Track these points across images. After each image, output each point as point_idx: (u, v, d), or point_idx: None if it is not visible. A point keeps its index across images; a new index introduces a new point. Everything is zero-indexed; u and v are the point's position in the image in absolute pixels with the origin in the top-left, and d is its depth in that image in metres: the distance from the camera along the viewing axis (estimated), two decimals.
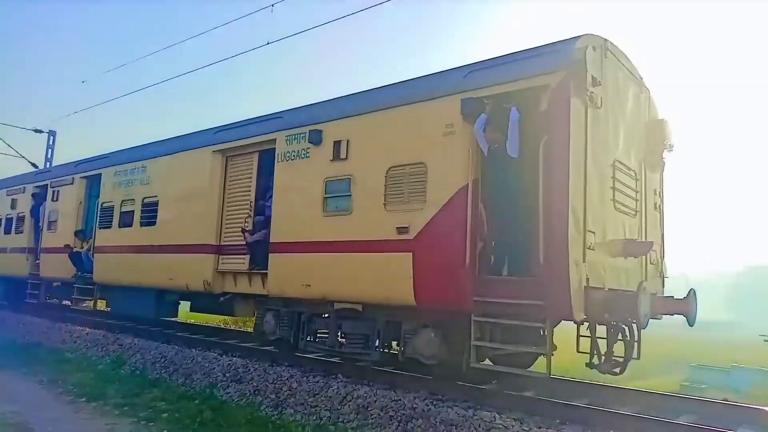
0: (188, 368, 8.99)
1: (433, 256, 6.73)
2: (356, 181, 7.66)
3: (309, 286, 8.06)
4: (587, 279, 5.94)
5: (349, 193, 7.72)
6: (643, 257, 7.49)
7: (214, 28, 14.53)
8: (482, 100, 6.57)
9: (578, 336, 6.95)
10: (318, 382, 7.37)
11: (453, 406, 6.30)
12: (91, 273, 12.44)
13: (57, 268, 13.49)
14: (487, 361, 7.15)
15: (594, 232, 6.20)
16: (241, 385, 7.96)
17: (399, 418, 6.27)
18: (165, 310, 11.54)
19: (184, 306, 11.81)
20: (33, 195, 15.22)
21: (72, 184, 13.66)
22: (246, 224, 9.31)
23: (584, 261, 5.96)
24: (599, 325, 6.62)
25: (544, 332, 6.09)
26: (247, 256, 9.19)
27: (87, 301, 13.19)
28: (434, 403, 6.43)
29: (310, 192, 8.16)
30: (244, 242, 9.20)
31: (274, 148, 8.86)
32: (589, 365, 6.87)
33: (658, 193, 8.21)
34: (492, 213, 6.69)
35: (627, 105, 7.34)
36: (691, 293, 7.48)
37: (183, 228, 10.25)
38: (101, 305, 13.98)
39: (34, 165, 22.59)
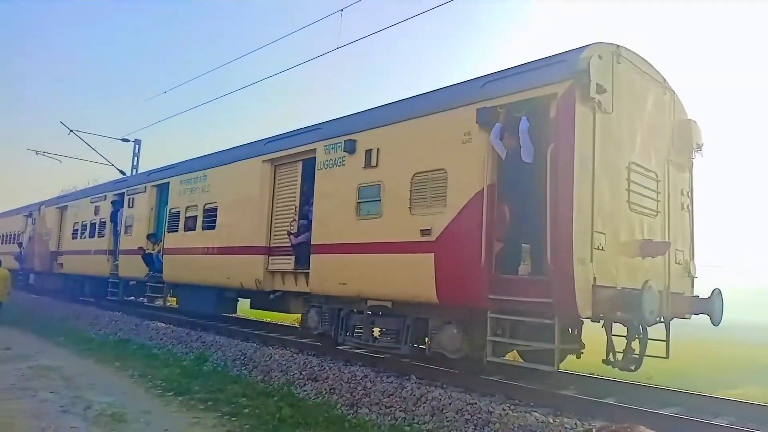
0: (266, 366, 9.20)
1: (453, 257, 7.21)
2: (385, 186, 8.25)
3: (345, 284, 8.74)
4: (594, 278, 6.23)
5: (378, 198, 8.32)
6: (668, 257, 7.61)
7: (286, 35, 15.25)
8: (496, 109, 6.98)
9: (608, 336, 7.25)
10: (392, 382, 7.39)
11: (532, 411, 6.16)
12: (161, 273, 13.73)
13: (132, 268, 14.93)
14: (511, 356, 7.57)
15: (604, 233, 6.47)
16: (318, 384, 8.07)
17: (475, 421, 6.17)
18: (225, 306, 12.58)
19: (244, 303, 12.80)
20: (112, 202, 16.84)
21: (144, 192, 15.08)
22: (291, 227, 10.11)
23: (592, 261, 6.25)
24: (614, 322, 6.87)
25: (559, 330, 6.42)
26: (293, 257, 9.98)
27: (158, 299, 14.50)
28: (511, 407, 6.33)
29: (345, 197, 8.83)
30: (290, 244, 10.00)
31: (315, 157, 9.60)
32: (606, 362, 7.12)
33: (686, 193, 8.26)
34: (511, 215, 7.08)
35: (646, 107, 7.50)
36: (715, 292, 7.55)
37: (238, 231, 11.21)
38: (172, 302, 15.29)
39: (121, 172, 24.41)
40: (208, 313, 12.88)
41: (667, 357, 7.71)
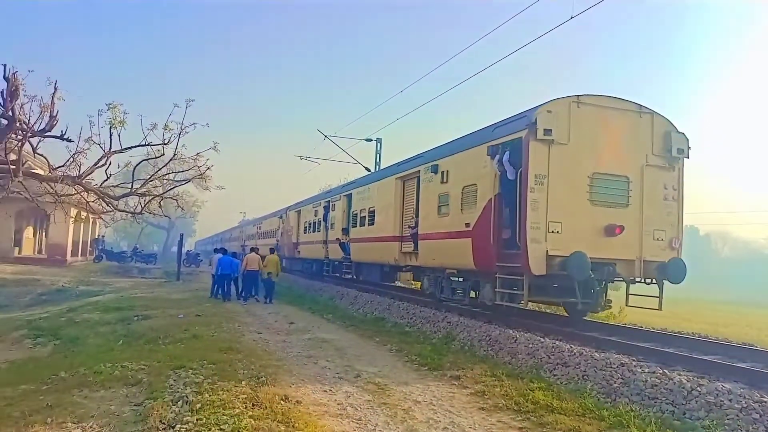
0: (512, 348, 9.38)
1: (479, 239, 11.42)
2: (450, 195, 12.72)
3: (434, 259, 13.48)
4: (547, 251, 9.95)
5: (448, 203, 12.82)
6: (640, 235, 10.63)
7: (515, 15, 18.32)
8: (497, 147, 11.00)
9: (627, 293, 10.99)
10: (654, 372, 7.05)
11: None
12: (350, 255, 19.95)
13: (335, 252, 21.55)
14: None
15: (560, 222, 10.10)
16: (568, 369, 7.99)
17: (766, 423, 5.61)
18: (386, 277, 18.16)
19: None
20: (324, 207, 23.83)
21: (339, 200, 21.57)
22: (411, 222, 15.09)
23: (546, 240, 9.99)
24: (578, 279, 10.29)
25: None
26: (412, 243, 14.95)
27: (347, 273, 20.81)
28: None
29: (432, 203, 13.50)
30: (409, 234, 15.02)
31: (420, 176, 14.44)
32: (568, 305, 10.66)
33: (670, 187, 10.99)
34: (510, 213, 11.02)
35: (615, 131, 10.63)
36: (673, 260, 10.42)
37: (385, 225, 16.62)
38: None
39: (367, 169, 27.60)
40: (375, 281, 18.64)
41: (659, 309, 10.83)
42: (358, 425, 6.02)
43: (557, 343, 9.06)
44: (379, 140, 29.34)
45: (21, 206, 27.59)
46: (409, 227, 15.06)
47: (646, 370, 7.20)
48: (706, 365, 7.75)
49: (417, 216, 14.80)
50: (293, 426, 5.62)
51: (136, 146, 15.96)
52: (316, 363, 8.97)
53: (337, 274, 22.35)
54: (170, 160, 17.28)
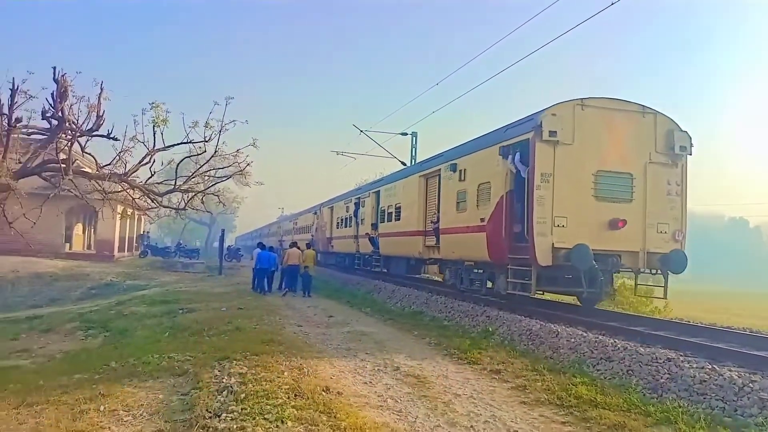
0: (553, 342, 9.27)
1: (492, 233, 12.31)
2: (467, 192, 13.63)
3: (454, 252, 14.43)
4: (553, 243, 10.79)
5: (465, 200, 13.73)
6: (643, 228, 11.36)
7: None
8: (508, 147, 11.86)
9: (636, 283, 11.91)
10: (703, 368, 6.96)
11: None
12: (378, 249, 21.04)
13: (365, 247, 22.68)
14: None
15: (565, 217, 10.92)
16: (612, 364, 7.91)
17: None
18: (413, 269, 19.19)
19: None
20: (354, 203, 24.97)
21: (368, 197, 22.66)
22: (433, 218, 16.05)
23: (552, 234, 10.83)
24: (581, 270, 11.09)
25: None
26: (435, 237, 15.91)
27: (377, 266, 21.88)
28: None
29: (452, 199, 14.44)
30: (432, 229, 15.98)
31: (440, 174, 15.38)
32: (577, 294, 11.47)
33: (674, 183, 11.66)
34: (521, 208, 11.88)
35: (619, 131, 11.36)
36: (673, 252, 11.10)
37: (409, 221, 17.63)
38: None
39: (402, 163, 27.49)
40: (403, 274, 19.68)
41: (665, 297, 11.58)
42: (398, 417, 6.08)
43: (600, 337, 8.99)
44: (414, 134, 29.22)
45: (71, 204, 28.30)
46: (432, 222, 16.02)
47: (695, 366, 7.11)
48: (758, 361, 7.49)
49: (438, 212, 15.73)
50: (335, 416, 5.71)
51: (178, 144, 16.21)
52: (356, 355, 9.12)
53: (368, 268, 23.47)
54: (211, 156, 17.38)
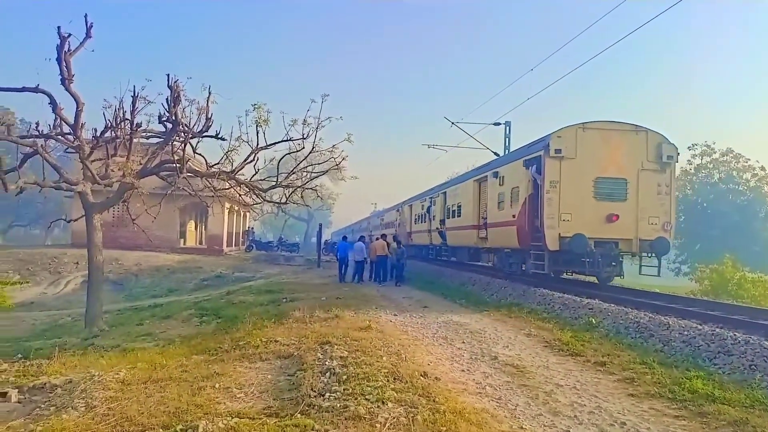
0: (664, 335, 9.01)
1: (520, 227, 16.04)
2: (505, 194, 17.39)
3: (496, 241, 18.27)
4: (560, 234, 14.38)
5: (503, 200, 17.50)
6: (636, 220, 14.63)
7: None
8: (529, 160, 15.53)
9: (641, 264, 15.00)
10: None
11: None
12: (446, 241, 25.09)
13: (436, 239, 26.81)
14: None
15: (570, 213, 14.47)
16: (731, 358, 7.56)
17: None
18: (471, 257, 23.07)
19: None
20: (429, 201, 29.09)
21: (438, 197, 26.75)
22: (484, 214, 19.87)
23: (559, 226, 14.42)
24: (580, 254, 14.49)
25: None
26: (485, 230, 19.72)
27: (445, 255, 25.86)
28: None
29: (495, 199, 18.23)
30: (482, 223, 19.82)
31: (487, 179, 19.20)
32: (581, 273, 14.92)
33: (664, 184, 14.80)
34: (538, 206, 15.50)
35: (615, 146, 14.69)
36: (659, 238, 14.29)
37: (468, 217, 21.54)
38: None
39: (495, 153, 27.09)
40: (465, 262, 23.63)
41: (658, 275, 14.86)
42: (498, 404, 6.08)
43: (718, 330, 8.74)
44: (508, 123, 28.76)
45: (185, 202, 29.71)
46: (482, 218, 19.87)
47: None
48: None
49: (486, 209, 19.53)
50: (434, 400, 5.76)
51: (279, 141, 16.87)
52: (452, 344, 9.21)
53: (439, 257, 27.55)
54: (309, 152, 17.82)
